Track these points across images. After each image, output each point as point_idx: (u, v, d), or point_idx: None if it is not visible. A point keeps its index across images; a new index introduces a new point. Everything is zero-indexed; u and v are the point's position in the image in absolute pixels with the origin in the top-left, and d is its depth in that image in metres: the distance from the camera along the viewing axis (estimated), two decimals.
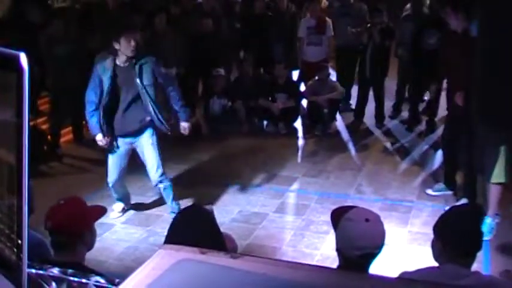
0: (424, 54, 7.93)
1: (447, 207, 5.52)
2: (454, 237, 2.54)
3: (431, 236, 2.69)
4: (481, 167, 5.15)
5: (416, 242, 5.20)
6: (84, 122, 8.28)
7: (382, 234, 2.49)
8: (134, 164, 7.19)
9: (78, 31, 7.84)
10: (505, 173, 4.99)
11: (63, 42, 7.34)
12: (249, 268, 1.22)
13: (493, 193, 5.14)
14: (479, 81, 4.60)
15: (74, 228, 2.71)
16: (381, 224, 2.51)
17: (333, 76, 9.27)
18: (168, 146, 7.98)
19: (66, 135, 8.04)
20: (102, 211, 2.94)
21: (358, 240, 2.43)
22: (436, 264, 2.65)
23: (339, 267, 2.50)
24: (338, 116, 8.86)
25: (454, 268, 2.51)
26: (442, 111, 8.88)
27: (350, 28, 8.67)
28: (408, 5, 9.18)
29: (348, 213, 2.55)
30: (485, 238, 4.99)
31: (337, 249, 2.52)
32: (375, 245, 2.45)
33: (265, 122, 8.75)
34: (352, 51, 8.81)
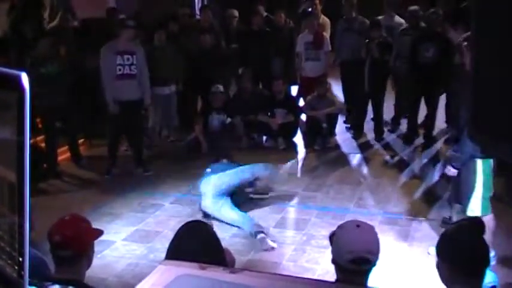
0: (421, 68, 7.99)
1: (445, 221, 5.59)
2: (461, 256, 2.41)
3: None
4: None
5: (416, 255, 5.18)
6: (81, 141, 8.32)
7: (374, 240, 2.48)
8: (134, 182, 7.20)
9: (72, 50, 7.84)
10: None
11: (49, 62, 7.23)
12: (248, 282, 1.23)
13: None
14: (474, 84, 4.55)
15: (81, 243, 2.73)
16: (373, 231, 2.51)
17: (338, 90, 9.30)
18: (167, 161, 8.02)
19: (64, 153, 8.03)
20: (100, 233, 2.97)
21: (349, 244, 2.43)
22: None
23: (336, 280, 2.49)
24: (337, 130, 8.87)
25: None
26: (441, 123, 8.93)
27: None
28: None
29: (341, 223, 2.58)
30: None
31: (332, 260, 2.52)
32: (366, 249, 2.42)
33: (264, 137, 8.77)
34: (356, 65, 8.80)
